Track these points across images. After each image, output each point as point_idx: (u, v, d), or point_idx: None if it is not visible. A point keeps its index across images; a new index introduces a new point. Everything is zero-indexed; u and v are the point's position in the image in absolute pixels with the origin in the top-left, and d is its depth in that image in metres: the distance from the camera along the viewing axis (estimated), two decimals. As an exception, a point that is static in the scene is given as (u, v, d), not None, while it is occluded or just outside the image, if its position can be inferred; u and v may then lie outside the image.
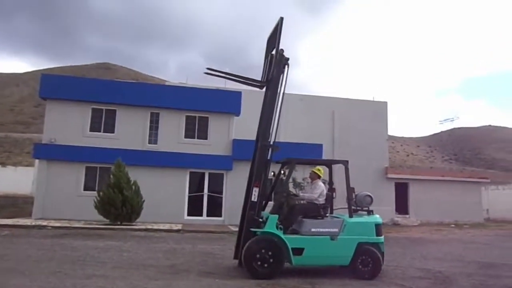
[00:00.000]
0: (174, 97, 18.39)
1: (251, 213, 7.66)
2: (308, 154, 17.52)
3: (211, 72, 8.60)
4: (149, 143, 18.23)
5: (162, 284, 6.64)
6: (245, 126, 20.37)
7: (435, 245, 13.30)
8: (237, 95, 18.85)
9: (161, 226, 15.27)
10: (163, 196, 17.45)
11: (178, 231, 14.43)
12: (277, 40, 8.09)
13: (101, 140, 17.71)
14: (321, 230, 7.61)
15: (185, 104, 18.40)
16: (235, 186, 18.49)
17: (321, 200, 8.03)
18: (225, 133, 18.79)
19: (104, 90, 18.02)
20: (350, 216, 7.78)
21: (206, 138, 18.67)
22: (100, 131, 17.97)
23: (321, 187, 8.07)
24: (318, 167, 8.45)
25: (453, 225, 22.80)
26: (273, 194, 9.00)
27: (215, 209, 18.42)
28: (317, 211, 7.93)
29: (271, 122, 8.05)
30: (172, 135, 18.35)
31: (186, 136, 18.52)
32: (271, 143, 8.05)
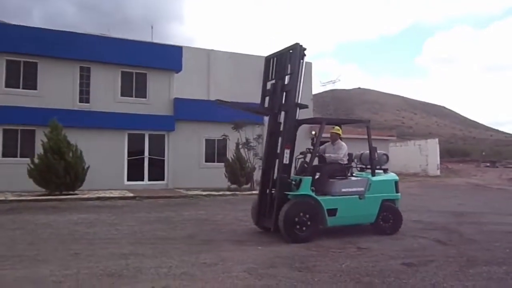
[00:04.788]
0: (107, 49, 16.26)
1: (284, 176, 7.30)
2: (249, 114, 17.26)
3: (222, 102, 8.17)
4: (80, 101, 16.04)
5: (213, 256, 6.01)
6: (186, 84, 19.31)
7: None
8: (178, 50, 17.50)
9: (110, 194, 13.84)
10: (100, 160, 15.64)
11: (134, 197, 13.23)
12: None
13: (21, 98, 15.04)
14: (350, 190, 7.62)
15: (120, 58, 16.47)
16: (178, 147, 17.59)
17: (345, 160, 7.99)
18: (166, 91, 17.43)
19: (21, 38, 15.05)
20: (373, 175, 7.92)
21: (145, 97, 17.11)
22: (18, 88, 15.22)
23: (345, 147, 8.00)
24: (337, 127, 8.30)
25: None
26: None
27: (157, 172, 17.27)
28: (343, 171, 7.88)
29: (297, 84, 7.57)
30: (107, 93, 16.41)
31: (122, 94, 16.72)
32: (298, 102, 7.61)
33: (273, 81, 8.00)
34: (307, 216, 7.05)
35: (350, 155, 8.17)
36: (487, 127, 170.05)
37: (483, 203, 13.38)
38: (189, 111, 17.45)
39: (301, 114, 7.93)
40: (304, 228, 7.02)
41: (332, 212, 7.34)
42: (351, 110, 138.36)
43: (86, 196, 13.05)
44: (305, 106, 7.69)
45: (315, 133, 7.70)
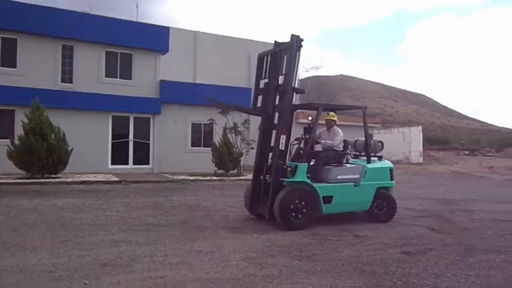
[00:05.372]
0: (91, 28, 15.58)
1: (280, 162, 7.12)
2: (239, 98, 17.00)
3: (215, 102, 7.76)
4: (62, 81, 15.44)
5: (209, 244, 5.83)
6: (171, 66, 18.83)
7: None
8: (165, 30, 16.99)
9: (94, 178, 13.47)
10: (83, 143, 14.97)
11: (120, 182, 12.89)
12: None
13: (-1, 76, 14.35)
14: (346, 177, 7.52)
15: (104, 37, 15.87)
16: (163, 131, 17.20)
17: (341, 147, 7.86)
18: (152, 73, 16.94)
19: (-1, 13, 14.33)
20: (368, 162, 7.82)
21: (130, 78, 16.59)
22: (-4, 66, 14.52)
23: (341, 134, 7.85)
24: (331, 113, 8.12)
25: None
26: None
27: (142, 156, 16.88)
28: (338, 158, 7.76)
29: (294, 68, 7.32)
30: (91, 73, 15.83)
31: (107, 75, 16.16)
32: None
33: (267, 80, 7.65)
34: (303, 203, 6.92)
35: (345, 141, 8.04)
36: (464, 115, 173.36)
37: (469, 191, 13.55)
38: (176, 94, 17.04)
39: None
40: (299, 216, 6.89)
41: (328, 199, 7.23)
42: (333, 97, 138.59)
43: (69, 180, 12.65)
44: (302, 91, 7.52)
45: (312, 119, 7.52)
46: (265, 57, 7.79)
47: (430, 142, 65.59)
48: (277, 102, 7.38)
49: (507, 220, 8.37)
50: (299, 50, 7.37)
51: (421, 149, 30.55)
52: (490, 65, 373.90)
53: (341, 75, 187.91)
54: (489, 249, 5.97)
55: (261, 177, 7.54)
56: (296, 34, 7.37)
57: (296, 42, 7.29)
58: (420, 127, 31.44)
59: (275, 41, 7.94)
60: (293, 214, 6.85)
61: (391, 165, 8.14)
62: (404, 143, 30.95)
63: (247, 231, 6.81)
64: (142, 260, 4.98)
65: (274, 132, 7.49)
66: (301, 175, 7.04)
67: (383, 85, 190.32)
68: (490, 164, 28.30)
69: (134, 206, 8.79)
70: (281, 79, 7.40)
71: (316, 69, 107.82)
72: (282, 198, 6.81)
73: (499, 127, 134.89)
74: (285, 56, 7.35)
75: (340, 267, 4.93)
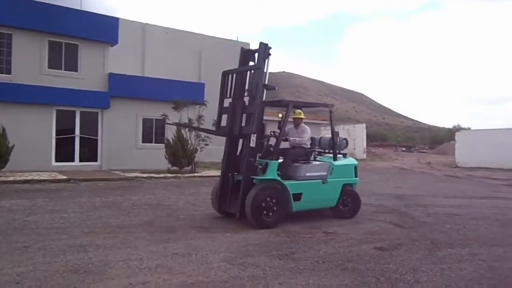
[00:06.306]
0: (32, 15, 14.45)
1: (251, 160, 7.00)
2: (192, 93, 16.74)
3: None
4: (-1, 72, 14.20)
5: (183, 245, 5.62)
6: (118, 59, 18.01)
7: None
8: (114, 21, 16.15)
9: (38, 176, 12.53)
10: (23, 139, 13.88)
11: (68, 180, 12.09)
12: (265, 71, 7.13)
13: None
14: (314, 174, 7.57)
15: (47, 25, 14.76)
16: (112, 126, 16.39)
17: (309, 144, 7.90)
18: (99, 65, 16.04)
19: None
20: (335, 160, 7.93)
21: (76, 70, 15.58)
22: None
23: (309, 131, 7.89)
24: (298, 111, 8.12)
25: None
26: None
27: (89, 153, 15.97)
28: (306, 155, 7.80)
29: (264, 76, 7.20)
30: (32, 64, 14.66)
31: (50, 67, 15.06)
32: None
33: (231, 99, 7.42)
34: (274, 201, 6.88)
35: (312, 139, 8.10)
36: (398, 113, 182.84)
37: (416, 186, 14.27)
38: (126, 87, 16.30)
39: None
40: (270, 214, 6.85)
41: (297, 196, 7.24)
42: (276, 94, 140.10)
43: (10, 179, 11.66)
44: (273, 88, 7.41)
45: (282, 116, 7.49)
46: (229, 75, 7.53)
47: (369, 138, 68.79)
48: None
49: (459, 214, 8.87)
50: (268, 58, 7.27)
51: (365, 146, 31.80)
52: (421, 67, 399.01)
53: (284, 72, 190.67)
54: (453, 242, 6.28)
55: (230, 175, 7.41)
56: (265, 42, 7.27)
57: (264, 49, 7.20)
58: (364, 125, 32.74)
59: (242, 48, 7.84)
60: (265, 212, 6.79)
61: (356, 162, 8.33)
62: (349, 139, 31.95)
63: (218, 230, 6.66)
64: (116, 265, 4.68)
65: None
66: (272, 173, 6.99)
67: (324, 82, 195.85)
68: (427, 160, 30.09)
69: (91, 207, 8.27)
70: (247, 100, 7.26)
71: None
72: (254, 196, 6.72)
73: (429, 125, 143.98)
74: (253, 76, 7.19)
75: (322, 265, 4.94)
